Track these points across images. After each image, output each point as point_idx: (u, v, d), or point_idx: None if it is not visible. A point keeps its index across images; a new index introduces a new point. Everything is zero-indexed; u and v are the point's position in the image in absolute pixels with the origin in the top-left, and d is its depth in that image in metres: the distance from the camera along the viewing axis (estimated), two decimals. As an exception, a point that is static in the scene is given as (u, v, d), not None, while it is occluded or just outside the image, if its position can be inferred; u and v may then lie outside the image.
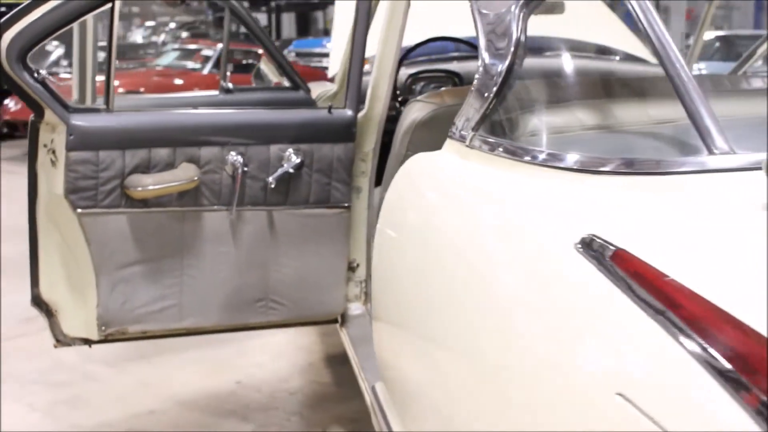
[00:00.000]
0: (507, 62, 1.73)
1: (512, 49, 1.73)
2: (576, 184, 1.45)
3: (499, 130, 1.78)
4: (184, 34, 18.61)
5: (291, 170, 2.72)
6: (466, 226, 1.61)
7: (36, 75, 2.45)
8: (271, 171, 2.71)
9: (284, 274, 2.86)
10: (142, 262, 2.69)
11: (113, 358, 3.99)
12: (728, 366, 0.86)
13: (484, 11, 1.91)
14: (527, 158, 1.59)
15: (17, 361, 3.92)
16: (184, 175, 2.64)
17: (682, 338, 0.93)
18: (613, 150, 1.64)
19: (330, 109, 2.79)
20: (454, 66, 4.57)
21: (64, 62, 12.03)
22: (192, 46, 13.25)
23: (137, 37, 14.42)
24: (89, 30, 3.34)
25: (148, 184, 2.60)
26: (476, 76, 1.83)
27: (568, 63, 2.51)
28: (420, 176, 1.98)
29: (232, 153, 2.67)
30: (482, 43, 1.86)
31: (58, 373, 3.83)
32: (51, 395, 3.62)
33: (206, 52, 12.12)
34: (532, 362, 1.21)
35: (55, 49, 12.34)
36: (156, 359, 4.02)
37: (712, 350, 0.89)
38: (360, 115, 2.81)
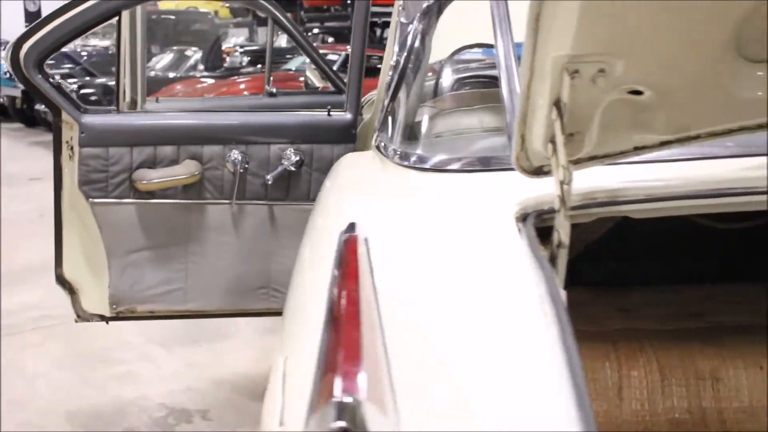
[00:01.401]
0: (399, 71, 1.88)
1: (404, 57, 1.88)
2: (401, 178, 1.60)
3: (387, 131, 1.93)
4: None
5: (291, 168, 2.93)
6: (328, 211, 1.78)
7: (51, 80, 2.78)
8: (271, 169, 2.93)
9: (285, 264, 3.06)
10: (150, 249, 2.98)
11: (170, 340, 4.34)
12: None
13: (403, 20, 2.06)
14: (395, 158, 1.76)
15: (86, 340, 4.33)
16: (186, 170, 2.91)
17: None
18: (471, 151, 1.77)
19: (329, 111, 2.98)
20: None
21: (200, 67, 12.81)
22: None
23: (282, 41, 15.04)
24: (138, 36, 3.68)
25: (153, 177, 2.89)
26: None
27: (455, 72, 2.58)
28: (335, 169, 2.16)
29: (234, 151, 2.91)
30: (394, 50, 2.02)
31: (120, 352, 4.22)
32: (107, 371, 4.00)
33: (331, 56, 12.55)
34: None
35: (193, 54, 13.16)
36: (208, 344, 4.34)
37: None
38: (366, 117, 2.98)
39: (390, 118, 1.94)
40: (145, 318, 3.09)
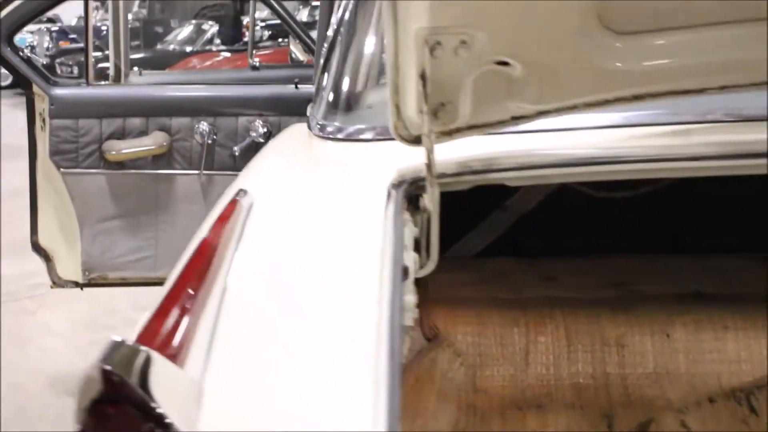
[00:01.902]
0: (329, 46, 1.94)
1: (334, 31, 1.94)
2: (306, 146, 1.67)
3: (315, 103, 1.99)
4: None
5: (258, 140, 3.00)
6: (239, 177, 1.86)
7: (21, 53, 2.87)
8: (239, 140, 3.01)
9: (253, 233, 3.16)
10: (121, 217, 3.07)
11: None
12: None
13: None
14: (316, 129, 1.83)
15: (74, 304, 4.44)
16: (154, 141, 2.99)
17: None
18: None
19: (296, 84, 3.05)
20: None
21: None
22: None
23: (303, 15, 15.07)
24: (121, 10, 3.76)
25: (122, 148, 2.98)
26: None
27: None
28: (273, 138, 2.24)
29: (202, 123, 2.99)
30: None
31: (106, 318, 4.34)
32: (91, 336, 4.13)
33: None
34: None
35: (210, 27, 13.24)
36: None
37: None
38: None
39: (319, 92, 2.00)
40: (117, 285, 3.19)
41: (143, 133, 3.00)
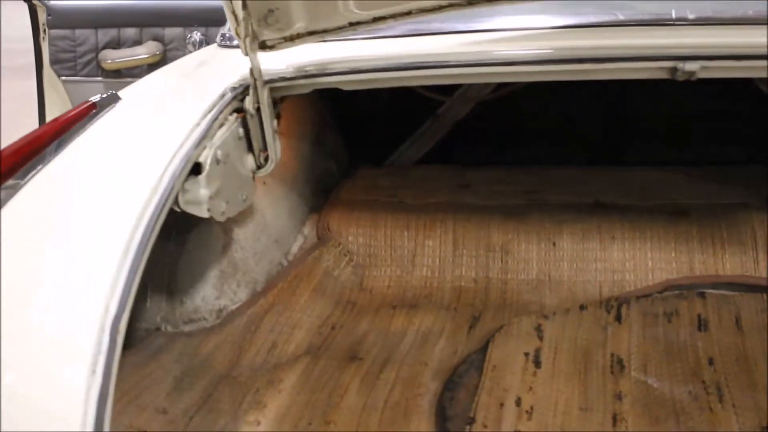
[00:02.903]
0: None
1: None
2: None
3: None
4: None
5: None
6: None
7: (17, -35, 3.03)
8: None
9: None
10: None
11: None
12: None
13: None
14: (218, 38, 1.93)
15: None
16: (148, 50, 3.13)
17: None
18: None
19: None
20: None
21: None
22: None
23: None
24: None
25: (117, 57, 3.13)
26: None
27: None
28: None
29: (195, 33, 3.10)
30: None
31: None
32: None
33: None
34: None
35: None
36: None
37: None
38: None
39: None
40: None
41: (137, 42, 3.13)
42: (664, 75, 1.46)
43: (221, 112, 1.45)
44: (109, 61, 3.14)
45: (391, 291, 1.90)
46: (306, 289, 1.81)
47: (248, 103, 1.51)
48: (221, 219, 1.48)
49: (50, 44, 3.11)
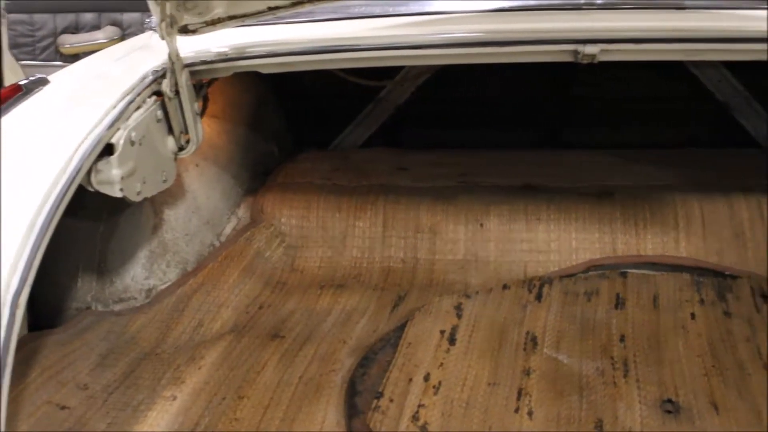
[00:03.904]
0: None
1: None
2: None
3: None
4: None
5: None
6: None
7: (-25, -51, 3.05)
8: None
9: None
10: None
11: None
12: None
13: None
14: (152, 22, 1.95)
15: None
16: (106, 35, 3.16)
17: None
18: None
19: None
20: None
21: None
22: None
23: None
24: None
25: (75, 42, 3.16)
26: None
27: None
28: None
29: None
30: None
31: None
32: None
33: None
34: None
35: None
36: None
37: None
38: None
39: None
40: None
41: (96, 27, 3.16)
42: (567, 58, 1.50)
43: (139, 94, 1.49)
44: (68, 46, 3.17)
45: (322, 271, 1.94)
46: (236, 269, 1.85)
47: (165, 86, 1.55)
48: (137, 199, 1.51)
49: (9, 29, 3.13)
